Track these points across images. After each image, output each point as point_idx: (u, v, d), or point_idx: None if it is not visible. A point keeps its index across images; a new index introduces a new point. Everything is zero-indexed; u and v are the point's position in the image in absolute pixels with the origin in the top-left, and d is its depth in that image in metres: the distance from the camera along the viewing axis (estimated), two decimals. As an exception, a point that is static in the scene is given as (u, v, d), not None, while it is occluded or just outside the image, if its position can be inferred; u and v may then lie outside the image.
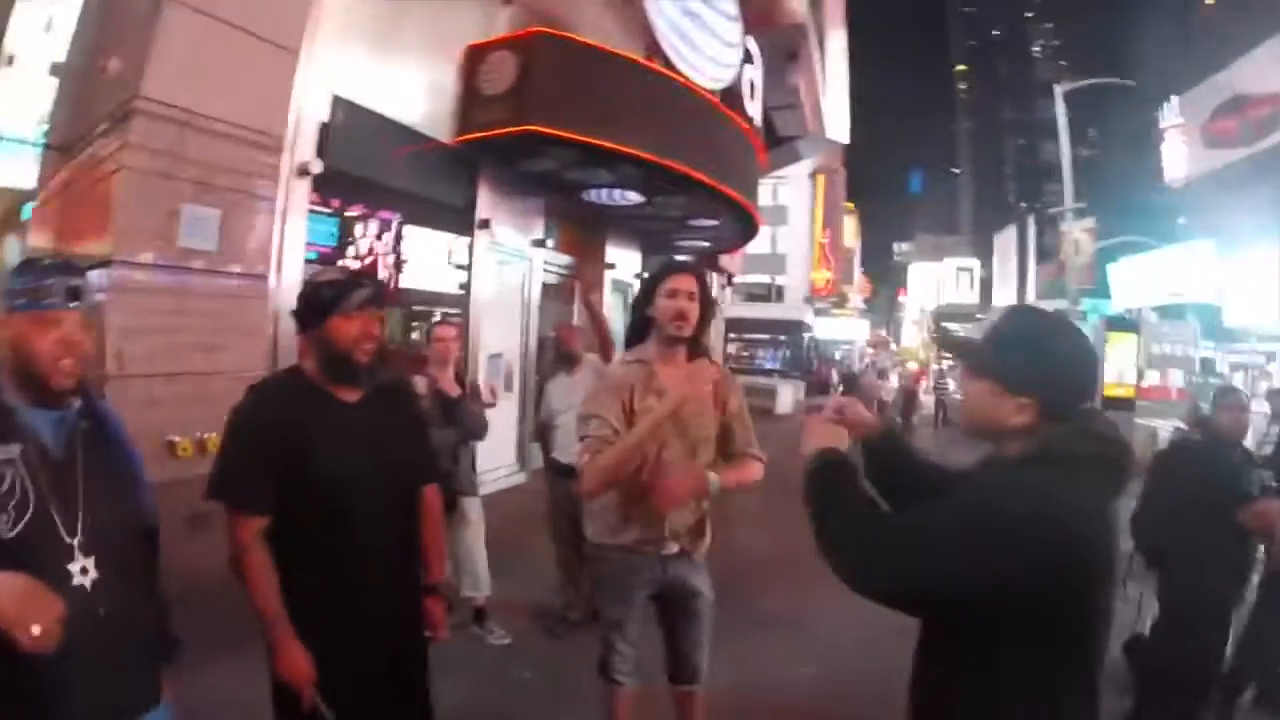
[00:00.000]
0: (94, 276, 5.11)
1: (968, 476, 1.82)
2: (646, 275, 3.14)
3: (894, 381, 23.20)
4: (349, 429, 2.38)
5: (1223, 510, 3.97)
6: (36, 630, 1.37)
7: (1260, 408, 11.72)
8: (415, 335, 7.77)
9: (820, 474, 1.87)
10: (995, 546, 1.51)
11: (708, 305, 3.03)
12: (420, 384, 4.68)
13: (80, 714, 1.63)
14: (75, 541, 1.61)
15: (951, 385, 22.41)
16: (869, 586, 1.65)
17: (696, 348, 3.07)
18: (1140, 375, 20.70)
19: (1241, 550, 4.17)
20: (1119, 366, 17.25)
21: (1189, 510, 4.02)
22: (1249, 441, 5.50)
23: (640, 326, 3.08)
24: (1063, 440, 1.65)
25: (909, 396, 20.20)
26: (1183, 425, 11.71)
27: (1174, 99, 44.55)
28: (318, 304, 2.33)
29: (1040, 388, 1.66)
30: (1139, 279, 39.88)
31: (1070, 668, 1.63)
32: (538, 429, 6.02)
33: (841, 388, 17.86)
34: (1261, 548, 4.55)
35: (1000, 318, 1.87)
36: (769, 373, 38.22)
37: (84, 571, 1.59)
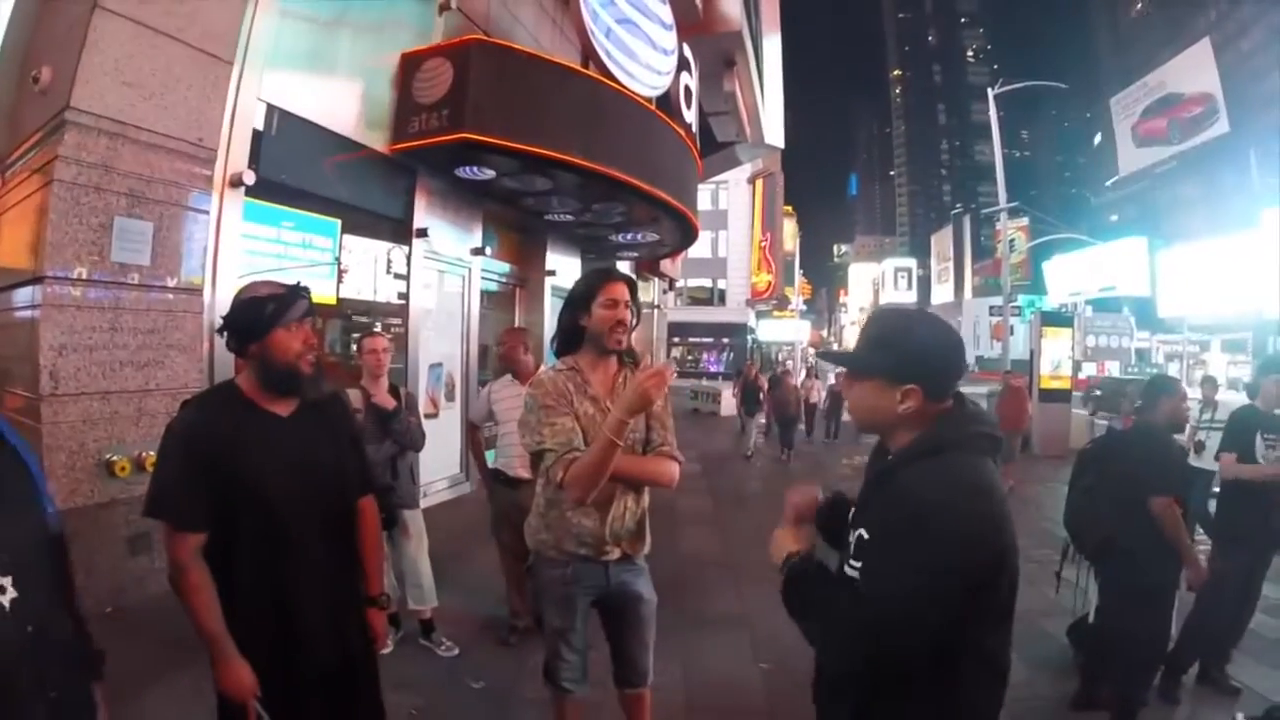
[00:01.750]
0: (26, 293, 5.06)
1: (878, 486, 1.89)
2: (577, 283, 3.09)
3: (833, 380, 23.10)
4: (283, 443, 2.37)
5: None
6: None
7: (1195, 394, 12.07)
8: (354, 347, 7.69)
9: (789, 590, 1.98)
10: (939, 554, 1.62)
11: (637, 312, 3.03)
12: (355, 397, 4.65)
13: None
14: None
15: None
16: (874, 664, 1.74)
17: (625, 354, 3.08)
18: (1077, 367, 21.06)
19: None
20: (1055, 359, 17.61)
21: (1131, 500, 4.12)
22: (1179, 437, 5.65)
23: (573, 335, 3.06)
24: (951, 427, 1.82)
25: (835, 398, 19.84)
26: (1117, 415, 11.93)
27: (1114, 100, 45.70)
28: (259, 317, 2.31)
29: (920, 373, 1.82)
30: (1073, 274, 40.90)
31: (1005, 630, 1.80)
32: (468, 430, 5.97)
33: (768, 388, 17.51)
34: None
35: (869, 322, 2.03)
36: (713, 376, 38.41)
37: (2, 591, 1.55)
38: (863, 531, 1.85)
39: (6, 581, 1.55)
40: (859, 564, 1.81)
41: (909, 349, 1.84)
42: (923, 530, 1.64)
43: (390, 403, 4.77)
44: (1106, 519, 4.32)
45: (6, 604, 1.54)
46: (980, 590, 1.65)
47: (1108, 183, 48.54)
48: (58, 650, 1.68)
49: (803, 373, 24.62)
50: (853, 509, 2.04)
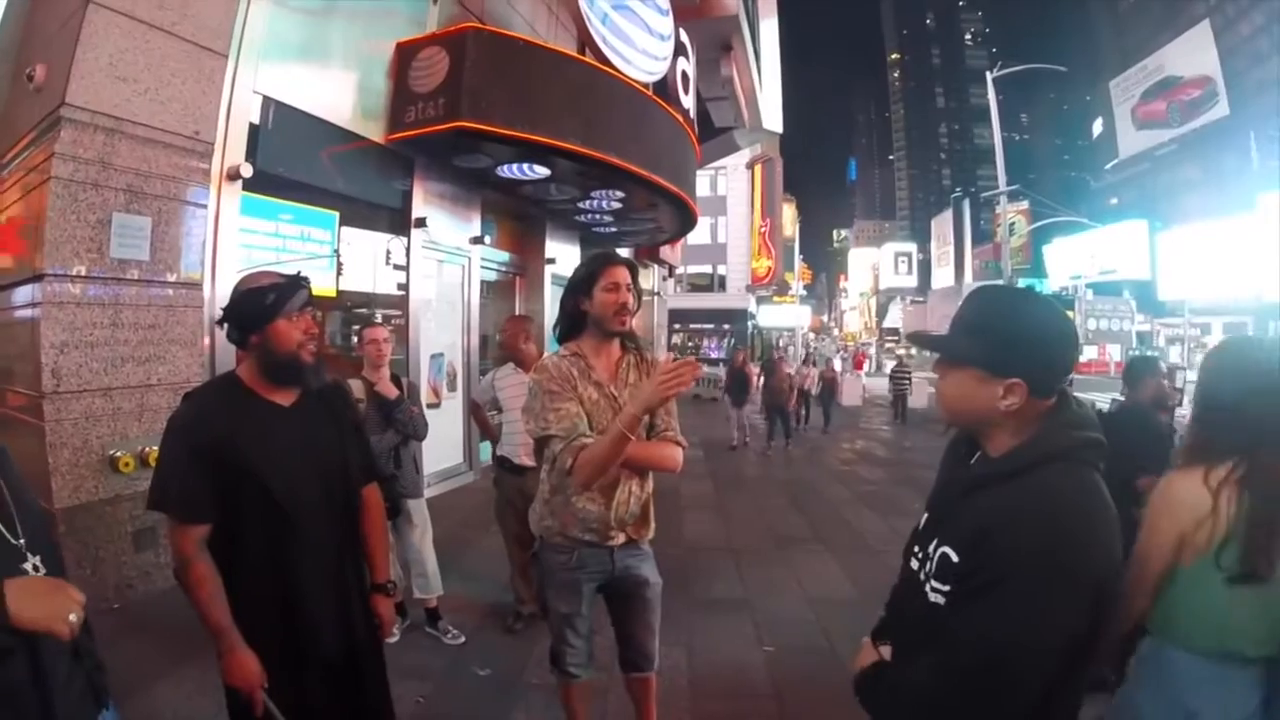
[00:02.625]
0: (26, 291, 5.06)
1: (968, 495, 1.68)
2: (578, 268, 3.09)
3: (837, 366, 22.71)
4: (286, 433, 2.37)
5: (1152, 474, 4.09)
6: (74, 618, 1.40)
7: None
8: (355, 339, 7.67)
9: (864, 696, 1.83)
10: (1056, 598, 1.44)
11: (639, 296, 3.02)
12: (356, 388, 4.65)
13: (70, 702, 1.63)
14: (21, 542, 1.59)
15: (915, 378, 21.88)
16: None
17: (628, 339, 3.08)
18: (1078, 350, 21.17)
19: None
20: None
21: (1125, 479, 4.11)
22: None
23: (575, 320, 3.05)
24: (1059, 433, 1.61)
25: (828, 385, 19.62)
26: (1120, 397, 11.97)
27: (1113, 83, 45.67)
28: (260, 308, 2.31)
29: (1026, 366, 1.59)
30: (1073, 257, 40.96)
31: (1086, 661, 1.56)
32: (471, 408, 6.00)
33: (762, 379, 16.56)
34: None
35: (966, 302, 1.78)
36: (714, 362, 38.37)
37: (36, 569, 1.59)
38: (949, 551, 1.62)
39: (37, 560, 1.62)
40: (945, 587, 1.62)
41: (1014, 336, 1.61)
42: (1035, 571, 1.44)
43: (393, 391, 4.77)
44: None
45: None
46: (1090, 629, 1.47)
47: (1107, 166, 48.50)
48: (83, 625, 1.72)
49: (801, 358, 23.87)
50: (925, 515, 1.84)
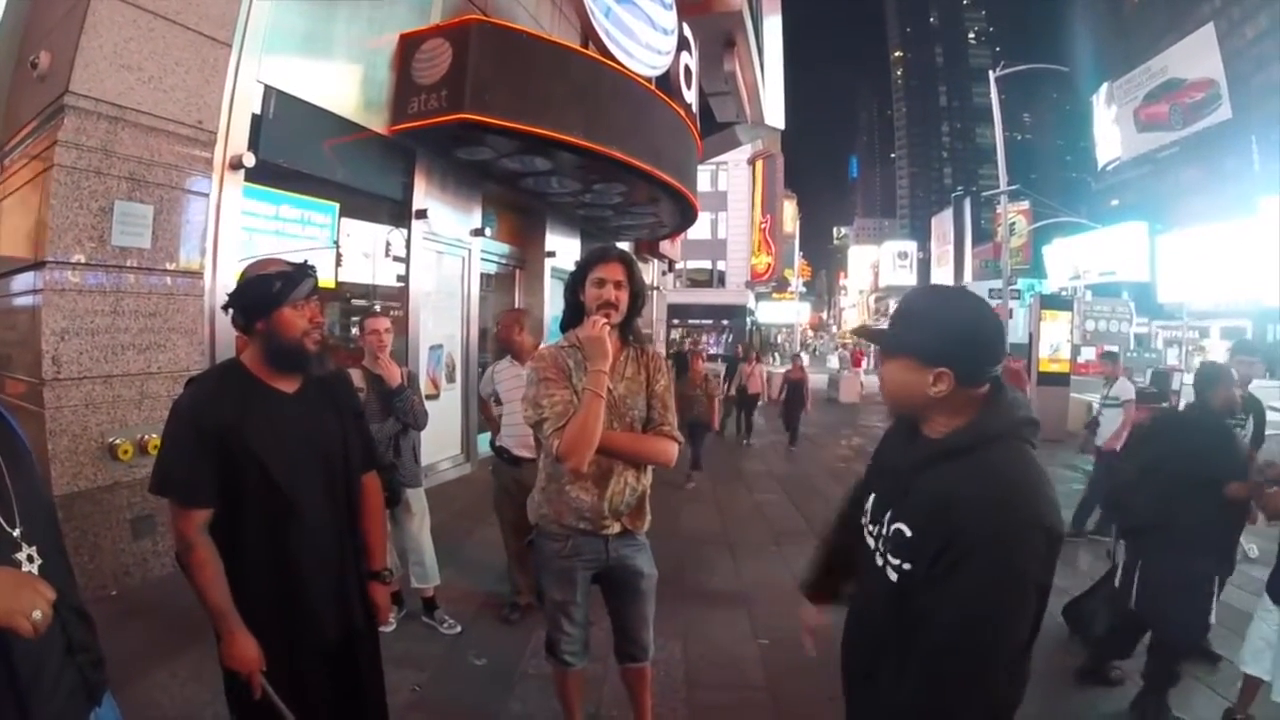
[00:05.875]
0: (27, 279, 5.06)
1: (917, 475, 1.79)
2: (577, 261, 3.13)
3: (804, 360, 16.61)
4: (288, 420, 2.38)
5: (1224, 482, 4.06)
6: (38, 615, 1.37)
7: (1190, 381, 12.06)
8: (354, 330, 7.65)
9: None
10: (1013, 569, 1.56)
11: (638, 292, 3.04)
12: (356, 377, 4.65)
13: (57, 698, 1.62)
14: (17, 532, 1.57)
15: None
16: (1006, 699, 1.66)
17: (628, 334, 3.09)
18: (1076, 351, 21.07)
19: (1232, 519, 4.25)
20: (1054, 342, 17.58)
21: (1195, 481, 4.07)
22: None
23: (574, 311, 3.09)
24: (997, 416, 1.75)
25: (795, 388, 14.98)
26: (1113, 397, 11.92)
27: (1105, 85, 45.63)
28: (267, 295, 2.33)
29: (952, 356, 1.73)
30: (1073, 258, 40.99)
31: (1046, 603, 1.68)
32: (479, 403, 6.07)
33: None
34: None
35: (904, 299, 1.96)
36: (713, 358, 38.33)
37: (30, 560, 1.57)
38: (902, 527, 1.76)
39: (33, 551, 1.60)
40: (897, 562, 1.75)
41: (941, 329, 1.76)
42: (999, 535, 1.55)
43: (395, 374, 4.77)
44: (1161, 498, 4.20)
45: (35, 571, 1.58)
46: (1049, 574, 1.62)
47: (1100, 167, 48.46)
48: (76, 615, 1.71)
49: (743, 355, 16.77)
50: (872, 496, 1.98)
